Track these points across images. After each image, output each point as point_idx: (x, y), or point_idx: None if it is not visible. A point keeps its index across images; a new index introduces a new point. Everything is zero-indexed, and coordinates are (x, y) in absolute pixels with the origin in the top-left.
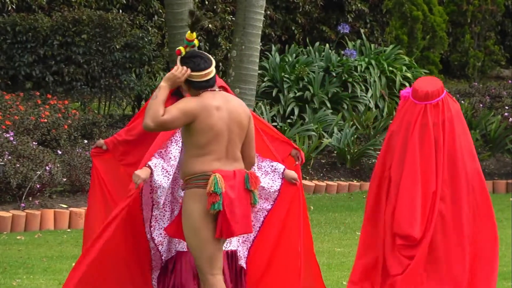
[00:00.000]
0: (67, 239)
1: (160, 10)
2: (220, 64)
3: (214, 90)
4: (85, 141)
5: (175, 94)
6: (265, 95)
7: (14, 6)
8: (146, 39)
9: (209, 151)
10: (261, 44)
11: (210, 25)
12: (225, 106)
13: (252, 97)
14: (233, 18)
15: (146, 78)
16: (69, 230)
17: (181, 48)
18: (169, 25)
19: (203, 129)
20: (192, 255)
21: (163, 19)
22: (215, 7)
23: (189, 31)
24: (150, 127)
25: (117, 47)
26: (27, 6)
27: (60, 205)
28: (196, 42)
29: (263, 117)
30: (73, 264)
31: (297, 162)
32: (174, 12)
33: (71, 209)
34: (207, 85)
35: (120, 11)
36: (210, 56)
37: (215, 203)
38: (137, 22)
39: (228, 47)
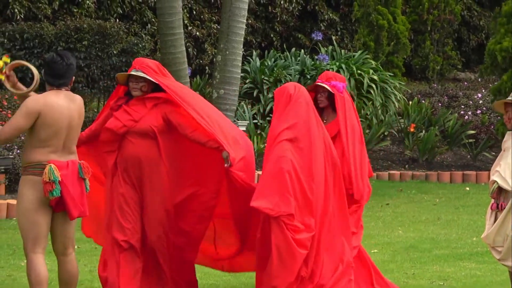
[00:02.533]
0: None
1: (153, 19)
2: (207, 67)
3: (60, 89)
4: None
5: (127, 95)
6: (247, 96)
7: (22, 16)
8: (140, 45)
9: (48, 144)
10: (243, 49)
11: (197, 33)
12: (67, 105)
13: (235, 97)
14: (218, 27)
15: None
16: None
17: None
18: (161, 32)
19: (45, 125)
20: (20, 234)
21: (155, 27)
22: (202, 16)
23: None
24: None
25: (115, 52)
26: (34, 16)
27: None
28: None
29: (245, 115)
30: (77, 247)
31: (226, 165)
32: (166, 21)
33: None
34: (56, 83)
35: (117, 20)
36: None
37: (52, 190)
38: (132, 30)
39: (213, 53)
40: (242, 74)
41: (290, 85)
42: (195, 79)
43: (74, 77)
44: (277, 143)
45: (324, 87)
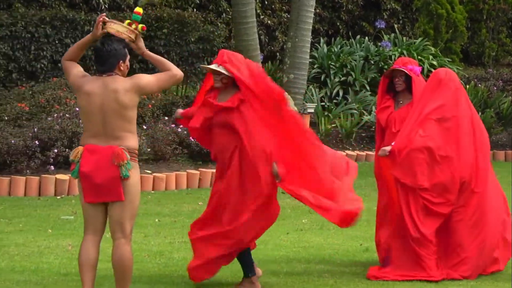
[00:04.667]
0: (151, 199)
1: (228, 9)
2: (277, 54)
3: (101, 76)
4: (166, 118)
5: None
6: (315, 80)
7: (106, 6)
8: (216, 33)
9: (86, 129)
10: (311, 37)
11: (269, 21)
12: (99, 92)
13: (304, 81)
14: (288, 15)
15: None
16: (152, 191)
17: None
18: (235, 21)
19: (80, 107)
20: None
21: (230, 16)
22: (273, 6)
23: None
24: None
25: (192, 40)
26: (117, 6)
27: (145, 171)
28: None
29: (313, 98)
30: (156, 220)
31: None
32: (239, 10)
33: (154, 174)
34: (99, 69)
35: (195, 9)
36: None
37: (73, 171)
38: (209, 19)
39: (284, 40)
40: (310, 60)
41: (441, 71)
42: (266, 64)
43: (121, 61)
44: (423, 121)
45: (401, 71)
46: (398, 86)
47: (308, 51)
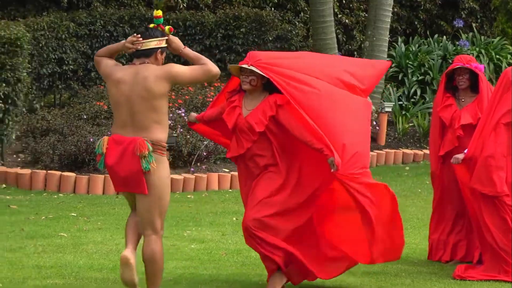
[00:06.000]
0: (229, 198)
1: (306, 8)
2: (355, 52)
3: (134, 64)
4: None
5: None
6: (392, 79)
7: (185, 5)
8: (293, 32)
9: (116, 119)
10: (389, 36)
11: (347, 20)
12: (129, 80)
13: (382, 80)
14: (366, 15)
15: None
16: (230, 190)
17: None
18: (313, 20)
19: (109, 96)
20: None
21: (308, 16)
22: (351, 5)
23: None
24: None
25: (270, 38)
26: (195, 5)
27: (223, 169)
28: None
29: (391, 97)
30: (234, 218)
31: (332, 170)
32: (317, 9)
33: (232, 173)
34: (136, 53)
35: (272, 8)
36: (156, 32)
37: (99, 162)
38: (286, 18)
39: (361, 39)
40: (388, 59)
41: (509, 71)
42: None
43: (159, 50)
44: (494, 126)
45: (465, 69)
46: (462, 84)
47: (386, 50)
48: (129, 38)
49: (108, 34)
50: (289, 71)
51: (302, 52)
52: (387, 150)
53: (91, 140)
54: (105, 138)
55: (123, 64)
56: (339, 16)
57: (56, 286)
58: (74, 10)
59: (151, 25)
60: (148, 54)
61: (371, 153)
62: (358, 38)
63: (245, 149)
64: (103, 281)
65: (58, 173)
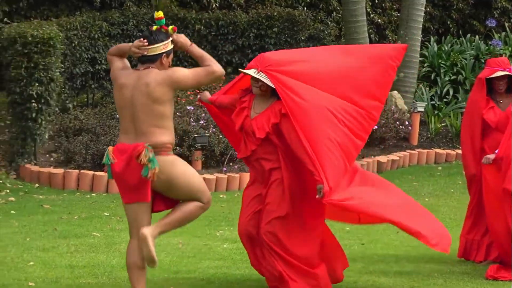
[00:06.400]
0: None
1: (338, 8)
2: None
3: (138, 70)
4: None
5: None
6: (425, 79)
7: (217, 5)
8: (326, 32)
9: (121, 126)
10: (421, 35)
11: (379, 20)
12: (131, 85)
13: (414, 80)
14: (399, 14)
15: None
16: None
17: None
18: (345, 20)
19: (114, 101)
20: None
21: (340, 15)
22: (383, 5)
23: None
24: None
25: (302, 38)
26: (228, 5)
27: (244, 167)
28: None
29: (423, 97)
30: None
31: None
32: (350, 9)
33: None
34: (141, 59)
35: (305, 8)
36: (161, 35)
37: (107, 172)
38: (319, 17)
39: (394, 38)
40: (420, 59)
41: None
42: None
43: (165, 54)
44: None
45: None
46: (501, 88)
47: (418, 49)
48: (136, 42)
49: (140, 34)
50: (294, 82)
51: (320, 49)
52: (419, 150)
53: None
54: (110, 148)
55: (131, 66)
56: (372, 15)
57: (89, 286)
58: (106, 10)
59: (154, 27)
60: (153, 59)
61: (404, 153)
62: (390, 38)
63: (250, 151)
64: None
65: (91, 172)
